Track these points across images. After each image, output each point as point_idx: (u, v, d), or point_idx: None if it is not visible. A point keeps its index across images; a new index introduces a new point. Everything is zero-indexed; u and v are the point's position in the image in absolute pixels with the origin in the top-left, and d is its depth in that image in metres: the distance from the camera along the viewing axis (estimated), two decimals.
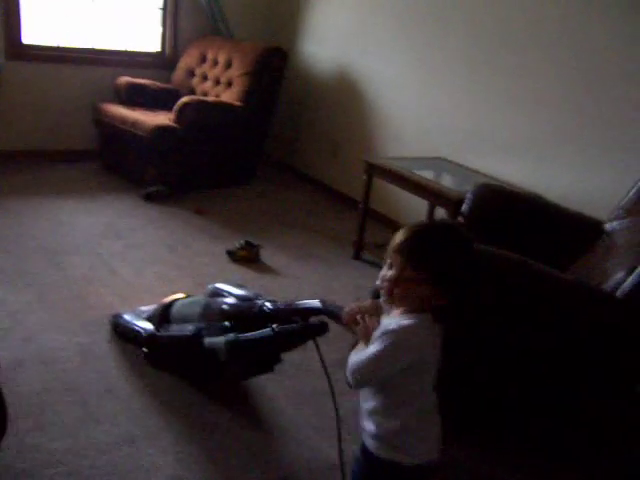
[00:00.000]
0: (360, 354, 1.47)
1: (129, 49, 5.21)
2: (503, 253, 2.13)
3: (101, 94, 4.91)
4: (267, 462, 2.13)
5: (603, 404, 2.20)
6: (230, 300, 2.25)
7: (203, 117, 4.40)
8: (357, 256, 3.83)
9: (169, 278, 3.28)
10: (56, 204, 4.08)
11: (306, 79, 5.19)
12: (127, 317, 2.63)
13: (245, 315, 2.13)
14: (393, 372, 1.44)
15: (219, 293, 2.37)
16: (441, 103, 3.97)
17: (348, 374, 1.49)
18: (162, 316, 2.45)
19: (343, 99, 4.82)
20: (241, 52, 4.81)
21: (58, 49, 4.88)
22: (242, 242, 3.62)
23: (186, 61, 5.12)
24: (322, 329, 1.90)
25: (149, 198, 4.36)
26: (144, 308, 2.67)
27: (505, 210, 2.82)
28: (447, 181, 3.66)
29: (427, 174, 3.61)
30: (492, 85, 3.63)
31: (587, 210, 2.84)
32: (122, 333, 2.62)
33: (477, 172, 3.66)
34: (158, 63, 5.30)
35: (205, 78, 5.02)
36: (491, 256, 2.11)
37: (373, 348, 1.43)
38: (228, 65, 4.86)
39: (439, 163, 3.84)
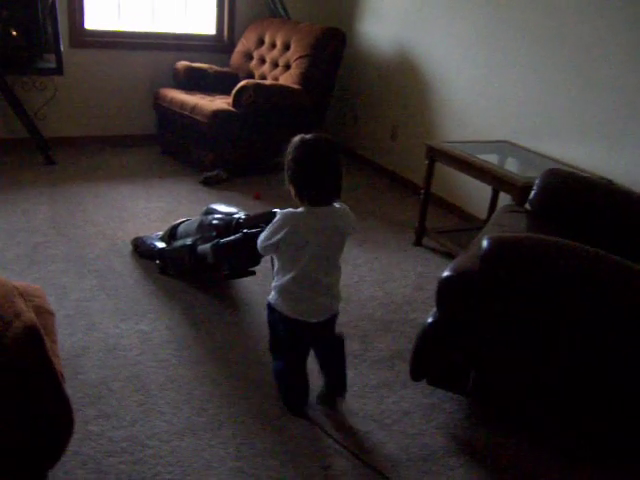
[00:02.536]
0: (264, 231, 2.13)
1: (187, 32, 5.20)
2: (577, 246, 2.02)
3: (160, 79, 4.94)
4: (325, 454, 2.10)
5: None
6: (218, 216, 2.78)
7: (261, 101, 4.36)
8: (418, 242, 3.74)
9: None
10: (117, 189, 4.13)
11: (364, 60, 5.09)
12: (144, 238, 3.24)
13: (227, 226, 2.67)
14: (276, 241, 2.06)
15: (211, 211, 2.89)
16: (505, 83, 3.82)
17: (257, 245, 2.16)
18: (171, 235, 3.05)
19: (402, 80, 4.70)
20: (299, 34, 4.74)
21: (118, 34, 4.92)
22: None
23: (243, 44, 5.08)
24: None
25: (207, 183, 4.36)
26: (159, 233, 3.23)
27: (576, 198, 2.70)
28: (512, 166, 3.53)
29: (491, 158, 3.48)
30: (561, 63, 3.45)
31: None
32: (141, 252, 3.22)
33: (544, 156, 3.51)
34: (216, 46, 5.28)
35: (263, 61, 4.98)
36: (564, 249, 1.99)
37: (268, 226, 2.11)
38: (286, 47, 4.80)
39: (504, 147, 3.71)
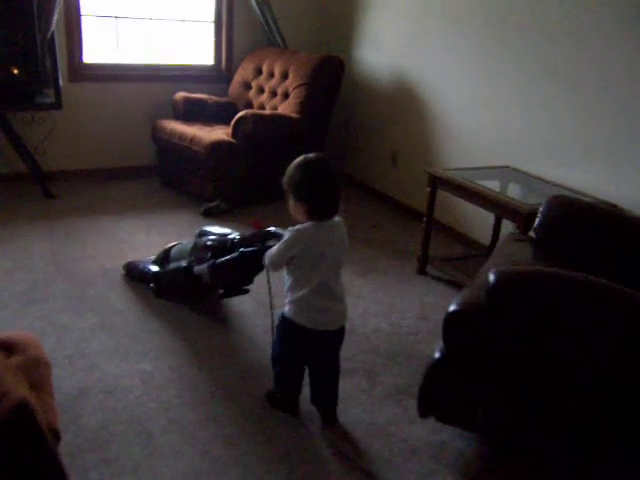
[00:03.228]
0: (274, 248, 2.19)
1: (185, 63, 5.21)
2: (586, 279, 1.97)
3: (159, 110, 4.94)
4: None
5: None
6: (212, 237, 2.82)
7: (260, 131, 4.35)
8: (422, 271, 3.70)
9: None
10: (117, 223, 4.10)
11: (363, 87, 5.09)
12: (137, 263, 3.27)
13: (222, 247, 2.71)
14: (290, 256, 2.13)
15: (205, 233, 2.91)
16: (506, 108, 3.80)
17: (266, 261, 2.23)
18: (164, 258, 3.08)
19: (401, 106, 4.69)
20: (297, 63, 4.74)
21: (116, 67, 4.92)
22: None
23: (242, 74, 5.09)
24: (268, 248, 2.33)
25: (208, 214, 4.33)
26: (151, 257, 3.24)
27: (582, 225, 2.65)
28: (515, 192, 3.50)
29: (493, 184, 3.45)
30: (561, 87, 3.43)
31: None
32: (133, 276, 3.24)
33: (546, 181, 3.48)
34: (214, 77, 5.29)
35: (261, 90, 4.97)
36: (573, 283, 1.95)
37: (279, 243, 2.17)
38: (284, 77, 4.80)
39: (505, 172, 3.68)
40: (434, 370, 2.17)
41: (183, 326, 2.94)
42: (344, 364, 2.70)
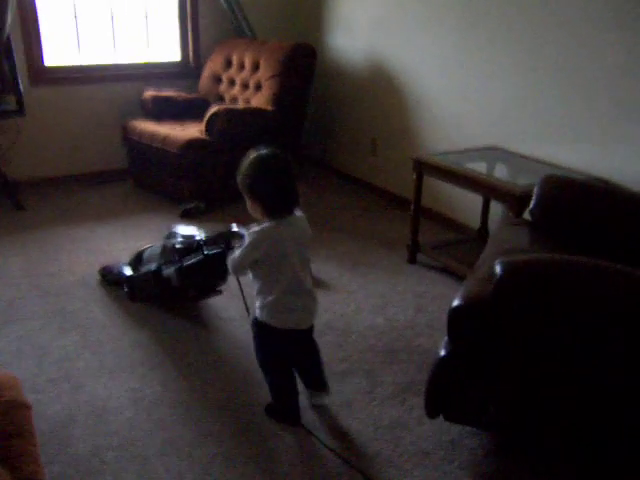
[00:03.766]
0: (236, 253, 2.14)
1: (151, 61, 5.03)
2: (593, 263, 1.87)
3: (128, 111, 4.76)
4: None
5: None
6: (179, 239, 2.82)
7: (234, 126, 4.19)
8: (413, 260, 3.59)
9: (217, 299, 3.09)
10: (93, 231, 3.93)
11: (338, 74, 4.95)
12: (112, 267, 3.25)
13: (189, 249, 2.71)
14: (254, 259, 2.09)
15: (173, 235, 2.91)
16: (489, 86, 3.68)
17: (229, 267, 2.19)
18: (137, 261, 3.08)
19: (379, 92, 4.56)
20: (267, 53, 4.58)
21: (80, 68, 4.73)
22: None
23: (211, 67, 4.92)
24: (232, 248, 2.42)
25: (187, 215, 4.18)
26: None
27: (578, 205, 2.55)
28: (504, 173, 3.40)
29: (481, 166, 3.35)
30: (546, 63, 3.32)
31: None
32: (109, 280, 3.23)
33: (534, 160, 3.38)
34: (182, 72, 5.11)
35: (232, 83, 4.81)
36: (581, 269, 1.84)
37: (241, 248, 2.12)
38: (255, 68, 4.64)
39: (493, 153, 3.57)
40: (440, 368, 2.06)
41: (171, 337, 2.80)
42: (341, 366, 2.60)
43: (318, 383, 2.35)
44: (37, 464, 1.16)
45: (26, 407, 1.30)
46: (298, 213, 2.17)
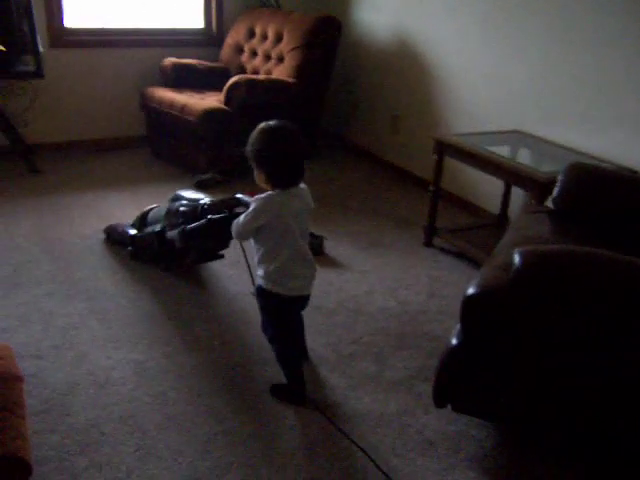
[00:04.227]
0: (239, 218, 2.16)
1: (174, 27, 4.94)
2: (617, 257, 1.78)
3: (147, 77, 4.69)
4: None
5: None
6: (184, 202, 2.80)
7: (254, 97, 4.11)
8: (429, 243, 3.51)
9: (225, 271, 3.04)
10: (105, 198, 3.89)
11: (362, 49, 4.83)
12: (116, 226, 3.29)
13: (193, 212, 2.68)
14: (256, 227, 2.11)
15: (178, 198, 2.90)
16: (514, 68, 3.56)
17: (233, 233, 2.21)
18: (142, 221, 3.11)
19: (403, 69, 4.45)
20: (291, 24, 4.48)
21: (100, 32, 4.66)
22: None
23: (233, 37, 4.82)
24: (236, 215, 2.32)
25: (202, 186, 4.12)
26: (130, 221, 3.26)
27: (604, 196, 2.46)
28: (528, 158, 3.29)
29: (504, 150, 3.25)
30: (573, 45, 3.20)
31: None
32: (114, 239, 3.27)
33: (558, 146, 3.27)
34: (204, 40, 5.02)
35: (254, 54, 4.72)
36: (604, 261, 1.76)
37: (245, 214, 2.14)
38: (278, 39, 4.54)
39: (516, 137, 3.46)
40: (451, 357, 2.00)
41: (179, 309, 2.76)
42: (350, 348, 2.55)
43: (302, 352, 2.43)
44: (23, 439, 1.11)
45: (18, 379, 1.25)
46: (302, 185, 2.18)
